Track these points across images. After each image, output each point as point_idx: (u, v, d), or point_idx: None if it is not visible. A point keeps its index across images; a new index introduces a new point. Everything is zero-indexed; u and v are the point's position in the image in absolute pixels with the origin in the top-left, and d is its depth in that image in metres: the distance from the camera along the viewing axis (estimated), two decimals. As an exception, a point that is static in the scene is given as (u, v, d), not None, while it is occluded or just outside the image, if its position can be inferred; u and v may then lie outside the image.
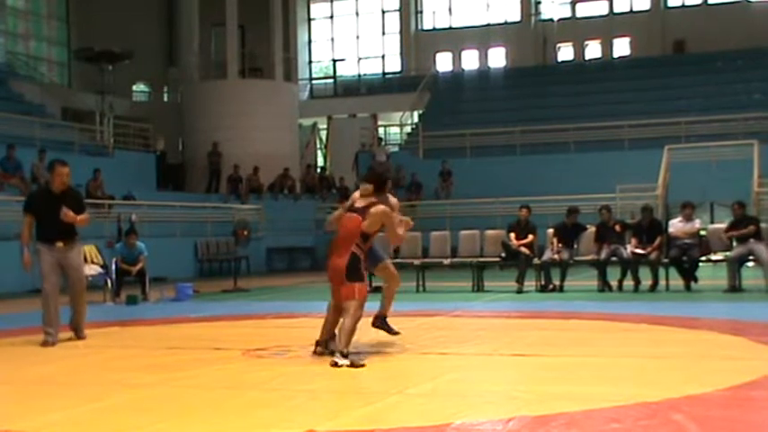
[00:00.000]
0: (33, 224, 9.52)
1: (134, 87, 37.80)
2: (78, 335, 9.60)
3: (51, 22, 35.99)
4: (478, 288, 15.95)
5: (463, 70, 39.57)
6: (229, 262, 22.15)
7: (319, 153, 38.58)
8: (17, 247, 17.95)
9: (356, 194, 7.81)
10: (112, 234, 18.79)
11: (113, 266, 15.52)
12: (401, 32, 40.43)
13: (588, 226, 16.02)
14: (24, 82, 30.66)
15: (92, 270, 15.98)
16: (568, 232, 15.85)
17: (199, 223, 24.94)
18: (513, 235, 15.95)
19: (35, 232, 9.55)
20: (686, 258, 14.87)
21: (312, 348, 7.77)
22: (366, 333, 8.34)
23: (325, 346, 7.69)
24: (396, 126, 37.13)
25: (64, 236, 9.46)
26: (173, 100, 37.21)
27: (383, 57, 41.11)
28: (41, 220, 9.45)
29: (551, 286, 15.30)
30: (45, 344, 9.12)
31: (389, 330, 8.28)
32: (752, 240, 14.46)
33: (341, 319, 7.38)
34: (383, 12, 41.03)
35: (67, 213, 9.28)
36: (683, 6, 37.59)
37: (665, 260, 15.05)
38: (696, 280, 14.94)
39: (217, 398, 5.99)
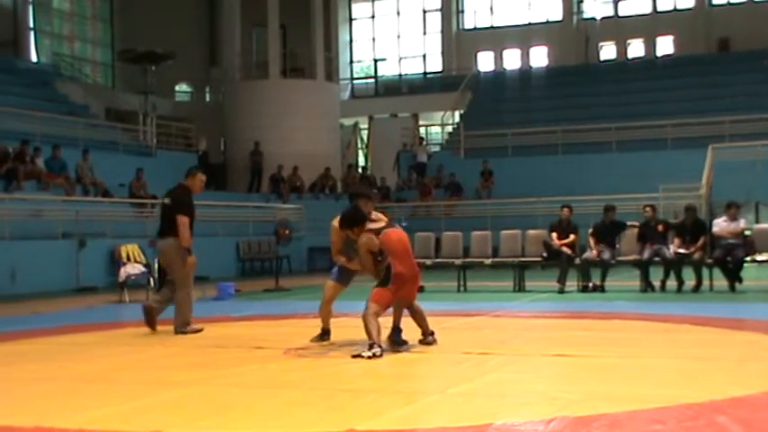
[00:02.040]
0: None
1: (176, 88, 38.14)
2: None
3: (96, 23, 36.43)
4: (520, 288, 15.87)
5: (505, 69, 39.43)
6: (271, 261, 22.24)
7: (360, 153, 38.64)
8: (64, 247, 18.19)
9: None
10: (155, 233, 18.91)
11: (156, 266, 15.62)
12: (442, 32, 40.37)
13: (629, 223, 15.87)
14: (69, 83, 31.08)
15: (134, 269, 16.17)
16: (607, 231, 15.71)
17: (240, 223, 25.07)
18: (554, 234, 15.84)
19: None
20: (730, 258, 14.67)
21: (354, 350, 7.80)
22: (408, 333, 8.33)
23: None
24: (437, 126, 37.09)
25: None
26: (214, 100, 37.49)
27: (424, 56, 41.07)
28: (191, 222, 10.17)
29: (591, 286, 15.18)
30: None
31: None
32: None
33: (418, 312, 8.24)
34: (424, 11, 40.99)
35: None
36: (728, 4, 37.12)
37: (709, 260, 14.87)
38: (741, 280, 14.73)
39: (257, 397, 6.01)
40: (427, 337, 8.25)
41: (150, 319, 9.95)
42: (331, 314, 8.63)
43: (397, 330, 8.21)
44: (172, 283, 10.17)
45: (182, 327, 9.80)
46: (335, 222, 8.39)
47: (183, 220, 9.94)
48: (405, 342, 8.15)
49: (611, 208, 16.01)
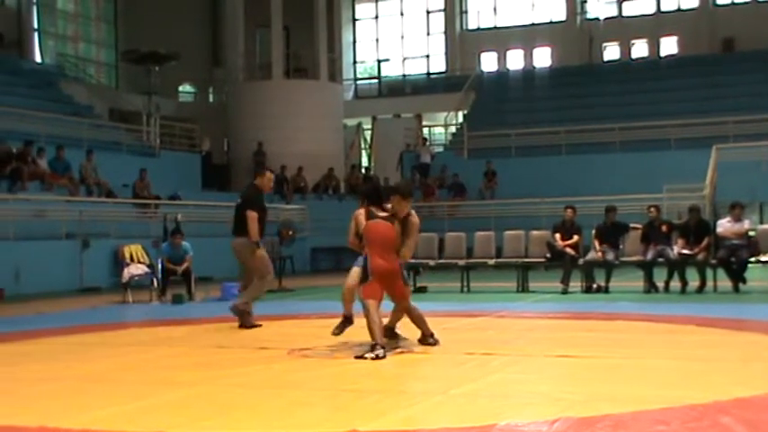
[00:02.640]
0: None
1: (180, 88, 38.16)
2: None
3: (99, 24, 36.47)
4: (523, 289, 15.86)
5: (508, 70, 39.38)
6: (274, 262, 22.20)
7: (364, 153, 38.64)
8: (68, 247, 18.24)
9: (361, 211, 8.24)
10: (158, 234, 18.96)
11: (159, 266, 15.64)
12: (446, 32, 40.32)
13: (632, 225, 15.86)
14: (73, 83, 31.12)
15: (138, 269, 16.18)
16: (609, 232, 15.69)
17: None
18: (558, 235, 15.84)
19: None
20: (734, 259, 14.65)
21: (358, 350, 7.82)
22: (412, 333, 8.34)
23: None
24: (440, 126, 37.06)
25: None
26: (218, 100, 37.51)
27: (428, 57, 41.05)
28: (261, 218, 10.36)
29: (595, 287, 15.17)
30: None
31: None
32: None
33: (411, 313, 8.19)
34: (428, 12, 40.96)
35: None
36: (732, 4, 37.06)
37: (713, 261, 14.86)
38: (745, 281, 14.71)
39: (261, 397, 6.02)
40: (428, 339, 8.20)
41: (243, 320, 10.33)
42: (354, 300, 8.35)
43: (390, 329, 8.25)
44: (249, 278, 10.62)
45: (243, 305, 10.29)
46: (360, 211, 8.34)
47: (251, 215, 10.26)
48: (400, 337, 8.29)
49: (612, 209, 15.99)
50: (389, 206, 8.02)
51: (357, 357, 7.48)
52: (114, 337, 9.87)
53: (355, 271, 8.29)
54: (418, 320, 8.20)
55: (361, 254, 8.16)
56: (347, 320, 8.42)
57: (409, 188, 8.44)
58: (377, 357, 7.38)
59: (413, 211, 8.14)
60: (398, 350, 7.98)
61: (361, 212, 8.19)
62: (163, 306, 14.64)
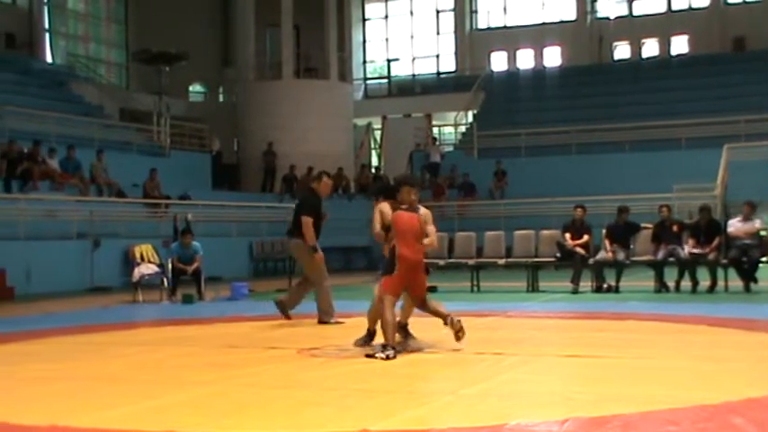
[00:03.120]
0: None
1: (190, 88, 38.24)
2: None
3: (110, 24, 36.57)
4: (533, 288, 15.85)
5: (518, 69, 39.34)
6: (284, 261, 22.27)
7: (373, 153, 38.64)
8: (78, 247, 18.32)
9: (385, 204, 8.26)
10: (168, 234, 19.00)
11: (169, 266, 15.66)
12: (456, 32, 40.30)
13: (643, 225, 15.83)
14: (84, 83, 31.21)
15: (148, 269, 16.21)
16: (620, 232, 15.66)
17: (254, 223, 25.11)
18: (568, 235, 15.81)
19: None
20: (746, 259, 14.61)
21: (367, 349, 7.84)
22: (422, 332, 8.33)
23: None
24: (450, 126, 37.03)
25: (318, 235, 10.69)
26: (228, 100, 37.59)
27: (438, 56, 41.03)
28: (316, 222, 10.55)
29: (605, 286, 15.14)
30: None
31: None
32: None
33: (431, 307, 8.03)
34: (438, 11, 40.95)
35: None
36: (743, 3, 36.92)
37: (724, 261, 14.81)
38: (756, 281, 14.67)
39: (271, 396, 6.02)
40: (450, 321, 7.91)
41: (283, 311, 10.74)
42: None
43: (403, 327, 8.22)
44: (305, 278, 10.94)
45: (325, 317, 10.56)
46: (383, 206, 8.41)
47: (306, 220, 10.47)
48: (412, 335, 8.26)
49: (625, 209, 15.96)
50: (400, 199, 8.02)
51: (368, 356, 7.48)
52: (125, 337, 9.89)
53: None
54: (434, 309, 8.05)
55: (386, 246, 8.15)
56: (370, 336, 8.27)
57: (414, 178, 8.43)
58: (387, 358, 7.38)
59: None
60: (408, 350, 7.98)
61: (386, 204, 8.23)
62: (173, 306, 14.66)
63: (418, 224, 7.88)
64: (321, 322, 10.54)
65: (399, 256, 7.78)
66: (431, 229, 8.08)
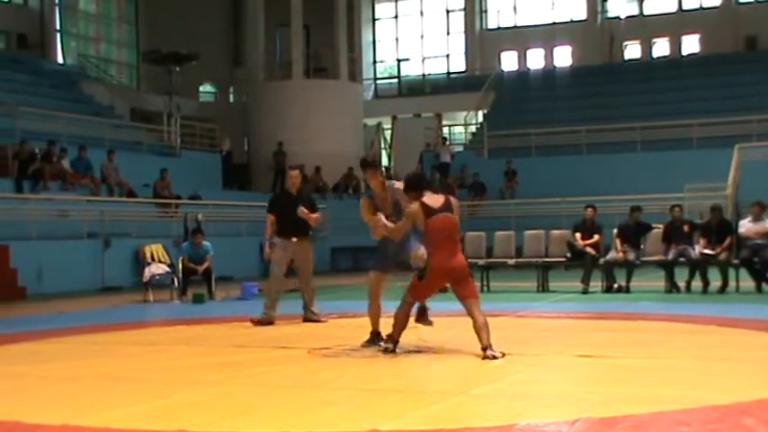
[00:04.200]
0: (274, 222, 10.86)
1: (200, 88, 38.30)
2: (309, 316, 10.86)
3: (121, 25, 36.65)
4: (543, 288, 15.82)
5: (528, 69, 39.28)
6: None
7: (384, 153, 38.64)
8: (89, 247, 18.41)
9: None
10: (179, 233, 19.04)
11: (180, 265, 15.69)
12: (466, 32, 40.26)
13: (654, 225, 15.79)
14: (95, 84, 31.32)
15: (159, 269, 16.25)
16: (632, 232, 15.62)
17: (264, 223, 24.99)
18: (578, 235, 15.78)
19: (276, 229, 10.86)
20: (757, 259, 14.55)
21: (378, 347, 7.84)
22: (431, 333, 8.32)
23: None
24: (460, 126, 37.01)
25: (298, 232, 10.79)
26: (238, 100, 37.64)
27: (448, 56, 41.00)
28: (280, 218, 10.75)
29: (615, 286, 15.10)
30: (260, 322, 10.46)
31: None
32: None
33: (477, 318, 7.43)
34: (448, 11, 40.92)
35: (303, 210, 10.55)
36: (756, 2, 36.76)
37: (735, 261, 14.76)
38: (767, 281, 14.61)
39: (281, 396, 6.03)
40: (486, 351, 7.34)
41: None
42: (380, 314, 8.24)
43: (422, 310, 8.10)
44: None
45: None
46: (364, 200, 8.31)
47: (268, 218, 10.99)
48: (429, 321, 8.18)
49: (638, 208, 15.91)
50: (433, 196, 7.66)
51: (363, 346, 7.83)
52: (135, 337, 9.91)
53: (373, 277, 8.24)
54: (479, 329, 7.42)
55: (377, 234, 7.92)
56: (376, 336, 8.23)
57: (370, 159, 8.37)
58: (386, 351, 7.64)
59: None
60: (418, 349, 7.98)
61: (416, 206, 7.52)
62: (183, 305, 14.69)
63: (452, 227, 7.53)
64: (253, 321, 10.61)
65: (431, 266, 7.43)
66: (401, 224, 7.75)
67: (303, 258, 10.90)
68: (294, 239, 10.76)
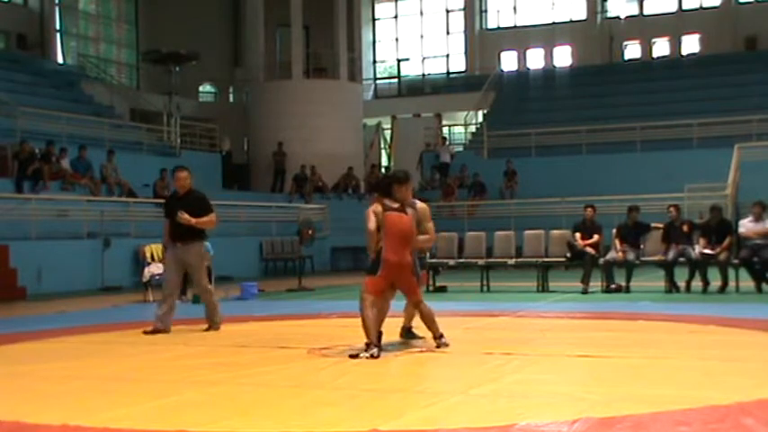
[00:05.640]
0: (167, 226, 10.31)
1: (200, 88, 38.31)
2: (211, 326, 10.35)
3: (121, 25, 36.68)
4: (543, 288, 15.82)
5: (528, 69, 39.31)
6: (294, 261, 22.29)
7: (383, 153, 38.65)
8: (89, 247, 18.37)
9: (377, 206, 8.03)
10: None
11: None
12: (465, 32, 40.29)
13: (653, 225, 15.79)
14: (94, 84, 31.31)
15: (159, 269, 16.22)
16: (630, 232, 15.62)
17: (264, 223, 25.13)
18: (578, 235, 15.79)
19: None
20: (757, 259, 14.55)
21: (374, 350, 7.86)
22: (429, 333, 8.32)
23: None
24: (460, 126, 37.04)
25: (182, 236, 10.14)
26: (238, 100, 37.64)
27: (447, 56, 41.02)
28: (170, 222, 10.18)
29: (614, 286, 15.10)
30: (153, 331, 9.88)
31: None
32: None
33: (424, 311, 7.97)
34: (447, 11, 40.94)
35: (182, 216, 9.97)
36: (756, 2, 36.77)
37: (735, 261, 14.76)
38: (767, 281, 14.61)
39: (281, 396, 6.03)
40: (436, 340, 8.00)
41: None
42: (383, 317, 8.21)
43: (407, 330, 8.27)
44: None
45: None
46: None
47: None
48: (417, 336, 8.28)
49: (635, 208, 15.91)
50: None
51: (351, 356, 7.50)
52: (135, 337, 9.90)
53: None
54: (428, 319, 8.04)
55: (371, 251, 8.04)
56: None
57: (404, 174, 8.30)
58: (372, 357, 7.42)
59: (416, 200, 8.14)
60: (417, 349, 7.98)
61: (378, 206, 7.96)
62: (183, 305, 14.65)
63: (408, 225, 7.85)
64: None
65: (383, 257, 7.78)
66: (429, 225, 8.09)
67: (189, 263, 10.24)
68: (179, 244, 10.14)
